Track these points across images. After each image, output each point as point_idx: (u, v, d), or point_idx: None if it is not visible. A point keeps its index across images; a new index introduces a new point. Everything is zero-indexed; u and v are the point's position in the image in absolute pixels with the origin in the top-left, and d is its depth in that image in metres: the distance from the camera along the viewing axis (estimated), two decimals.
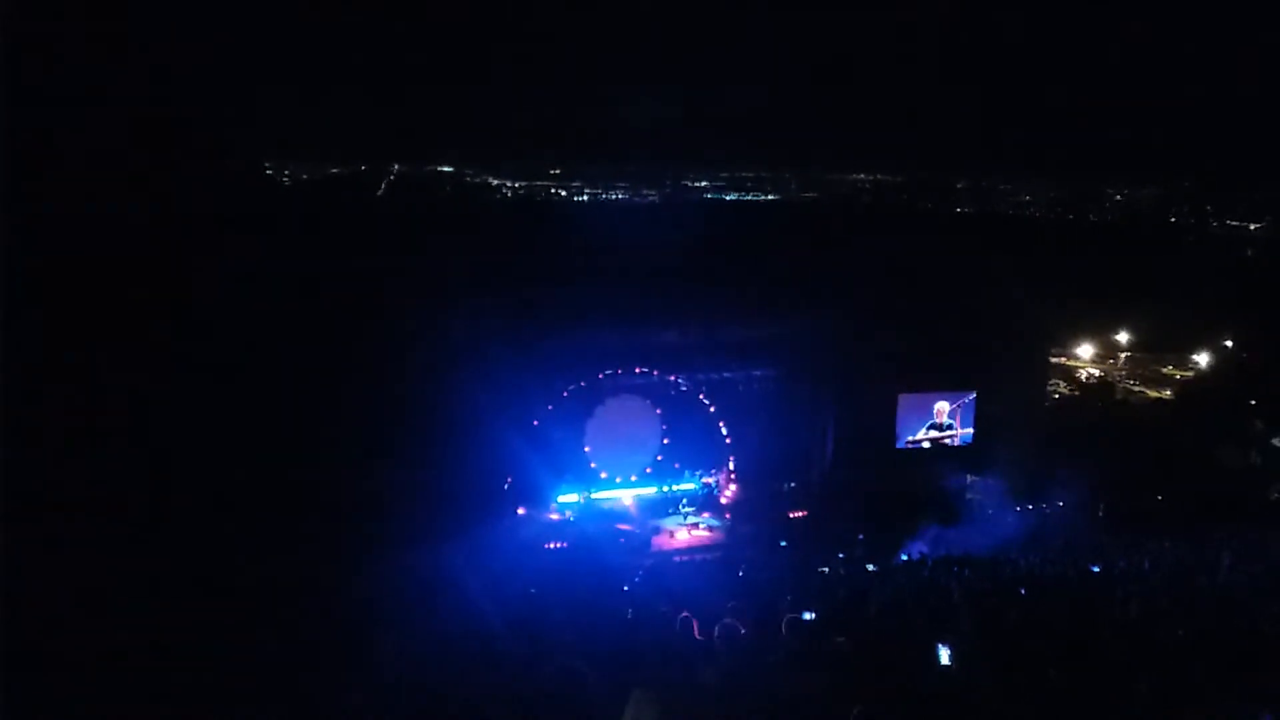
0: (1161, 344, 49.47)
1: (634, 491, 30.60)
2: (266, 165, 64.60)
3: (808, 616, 10.80)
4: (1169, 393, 45.20)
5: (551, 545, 26.85)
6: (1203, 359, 47.27)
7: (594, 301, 32.39)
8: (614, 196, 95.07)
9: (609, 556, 24.93)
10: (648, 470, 30.91)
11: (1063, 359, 47.13)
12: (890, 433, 32.57)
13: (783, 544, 26.40)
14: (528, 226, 67.22)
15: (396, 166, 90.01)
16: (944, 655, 8.91)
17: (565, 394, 29.66)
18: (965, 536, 25.14)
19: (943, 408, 32.91)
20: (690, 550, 27.67)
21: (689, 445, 31.25)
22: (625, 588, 19.08)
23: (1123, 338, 49.95)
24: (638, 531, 28.64)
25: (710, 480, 31.17)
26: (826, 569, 22.53)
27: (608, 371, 30.30)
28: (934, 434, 32.93)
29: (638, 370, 30.74)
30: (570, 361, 29.56)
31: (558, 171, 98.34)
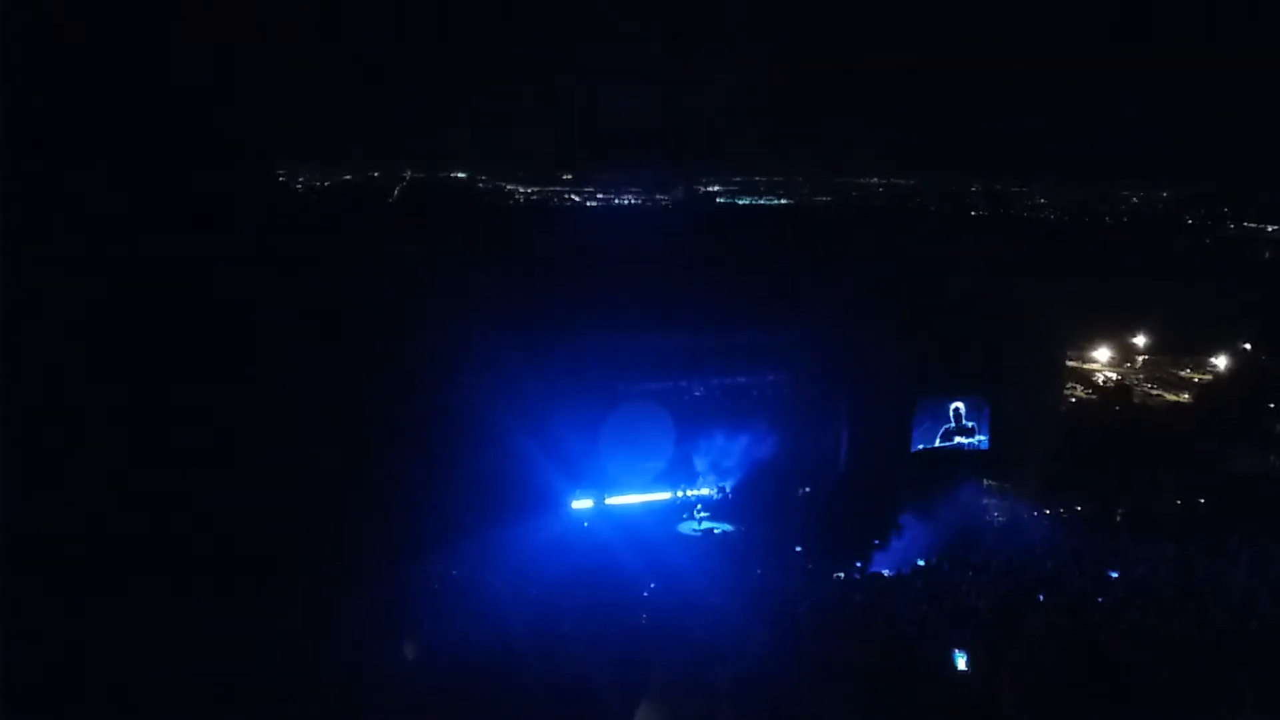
0: (1179, 347, 49.07)
1: (648, 496, 30.56)
2: (280, 171, 64.88)
3: None
4: (1186, 396, 44.82)
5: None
6: (1220, 362, 46.89)
7: (608, 307, 32.39)
8: (627, 201, 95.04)
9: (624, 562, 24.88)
10: (662, 475, 30.83)
11: (1079, 363, 46.82)
12: (905, 437, 32.42)
13: (798, 549, 26.27)
14: (541, 232, 67.29)
15: (409, 172, 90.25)
16: (960, 661, 8.86)
17: (581, 400, 29.61)
18: (982, 541, 24.98)
19: (960, 408, 32.81)
20: (704, 554, 27.57)
21: (703, 450, 31.17)
22: (645, 594, 19.08)
23: (1140, 341, 49.58)
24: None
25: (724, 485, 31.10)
26: (842, 574, 22.44)
27: (622, 376, 30.25)
28: (960, 439, 32.81)
29: (652, 375, 30.68)
30: (585, 367, 29.54)
31: (570, 176, 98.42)
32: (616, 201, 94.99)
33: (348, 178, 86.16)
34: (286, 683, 8.60)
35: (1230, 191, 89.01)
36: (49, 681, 8.63)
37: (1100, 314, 48.24)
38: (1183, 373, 47.59)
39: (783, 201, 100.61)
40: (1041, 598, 14.68)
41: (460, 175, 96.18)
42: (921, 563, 22.65)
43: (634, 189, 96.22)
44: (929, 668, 8.90)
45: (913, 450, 32.72)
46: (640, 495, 30.53)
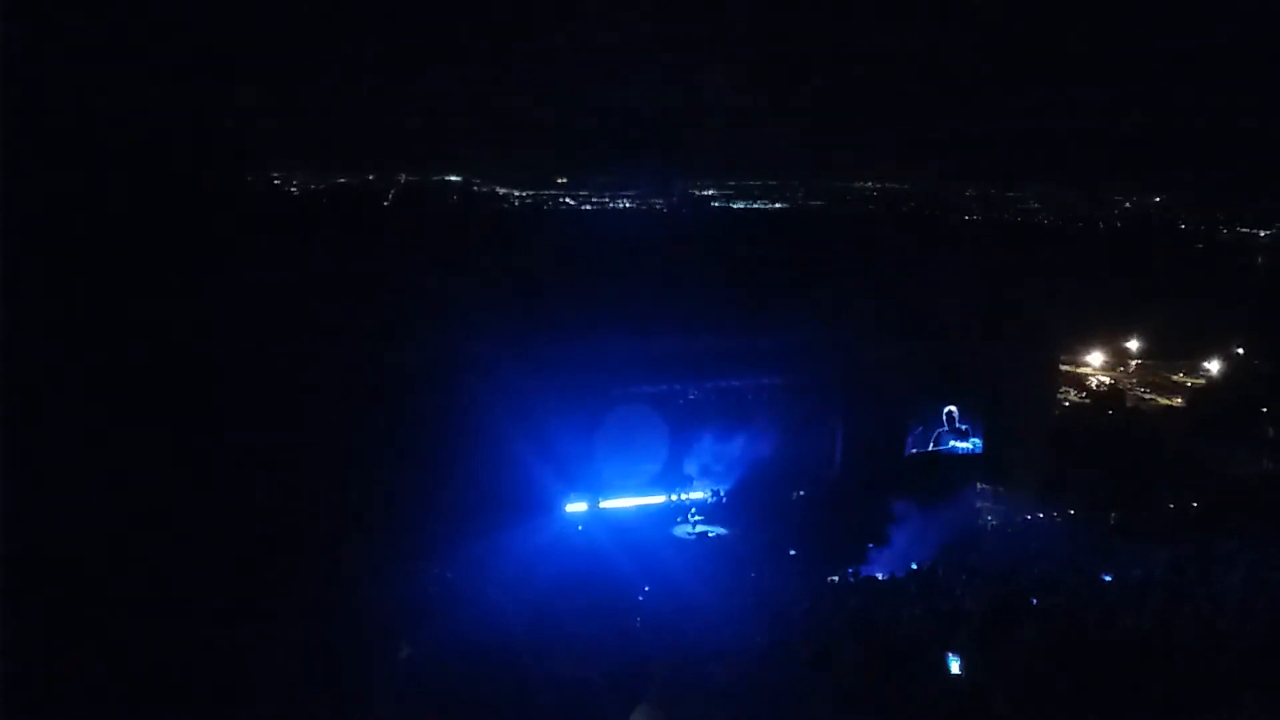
0: (1172, 351, 49.22)
1: (643, 500, 30.56)
2: (274, 175, 64.84)
3: None
4: (1180, 400, 44.95)
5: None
6: (1214, 366, 47.03)
7: (602, 311, 32.40)
8: (621, 205, 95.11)
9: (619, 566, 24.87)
10: (656, 479, 30.82)
11: (1073, 366, 46.93)
12: (900, 441, 32.46)
13: (792, 553, 26.30)
14: (536, 235, 67.30)
15: (404, 176, 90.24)
16: (954, 664, 8.87)
17: (575, 404, 29.59)
18: (976, 545, 25.02)
19: (954, 412, 32.92)
20: (699, 558, 27.57)
21: (698, 454, 31.18)
22: (640, 597, 19.10)
23: (1133, 345, 49.72)
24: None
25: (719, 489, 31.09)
26: (836, 578, 22.45)
27: (617, 380, 30.23)
28: (954, 442, 32.90)
29: (646, 379, 30.67)
30: (579, 370, 29.52)
31: (565, 180, 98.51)
32: (611, 205, 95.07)
33: (342, 181, 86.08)
34: (283, 685, 8.60)
35: (1224, 196, 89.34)
36: (45, 683, 8.61)
37: (1094, 318, 48.37)
38: (1176, 377, 47.73)
39: (777, 206, 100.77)
40: (1036, 601, 14.68)
41: (455, 179, 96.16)
42: (916, 566, 22.69)
43: (628, 193, 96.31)
44: (923, 671, 8.90)
45: (907, 454, 32.76)
46: (635, 499, 30.53)
